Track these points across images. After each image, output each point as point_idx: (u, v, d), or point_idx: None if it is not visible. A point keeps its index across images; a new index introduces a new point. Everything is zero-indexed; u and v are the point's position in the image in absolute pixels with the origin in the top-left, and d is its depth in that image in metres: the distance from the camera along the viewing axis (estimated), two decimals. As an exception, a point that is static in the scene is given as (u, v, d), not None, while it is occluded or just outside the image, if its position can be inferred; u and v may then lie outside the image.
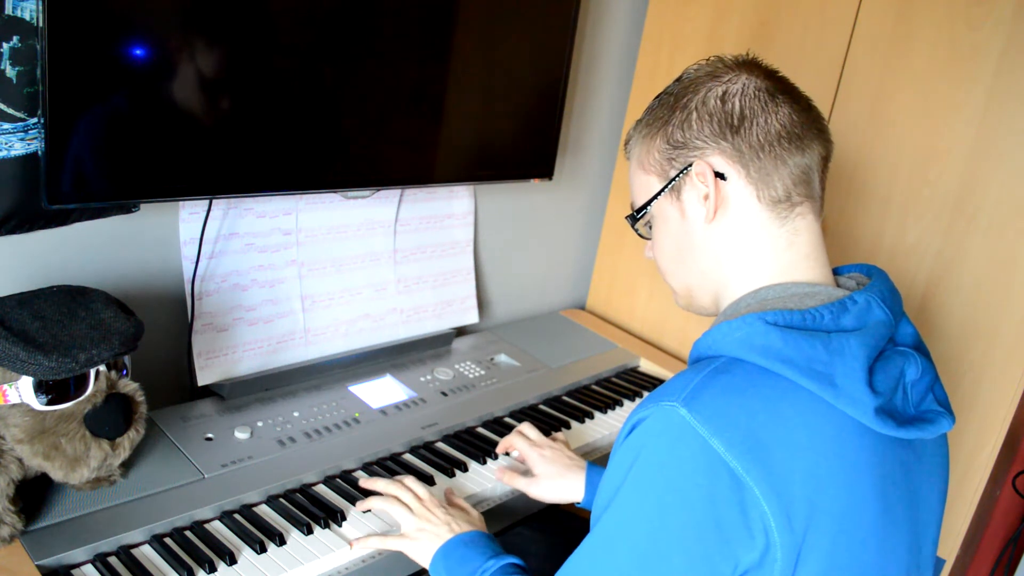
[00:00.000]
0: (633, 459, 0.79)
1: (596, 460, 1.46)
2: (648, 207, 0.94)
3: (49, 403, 1.01)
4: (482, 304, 1.90)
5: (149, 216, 1.32)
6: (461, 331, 1.82)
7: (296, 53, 1.27)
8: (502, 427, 1.49)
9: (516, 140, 1.71)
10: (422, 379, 1.57)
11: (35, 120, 1.11)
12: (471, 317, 1.81)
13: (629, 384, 1.73)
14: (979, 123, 1.43)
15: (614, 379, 1.76)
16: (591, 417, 1.57)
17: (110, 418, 1.05)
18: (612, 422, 1.57)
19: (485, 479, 1.32)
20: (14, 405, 1.01)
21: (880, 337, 0.83)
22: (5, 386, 1.00)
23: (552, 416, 1.55)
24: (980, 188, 1.45)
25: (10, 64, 1.07)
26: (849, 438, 0.79)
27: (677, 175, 0.90)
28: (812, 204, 0.90)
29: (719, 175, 0.88)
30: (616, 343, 1.89)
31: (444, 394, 1.53)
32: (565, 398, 1.64)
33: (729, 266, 0.90)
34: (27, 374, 0.99)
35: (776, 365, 0.78)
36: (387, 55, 1.39)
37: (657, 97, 0.95)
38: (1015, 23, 1.37)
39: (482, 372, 1.64)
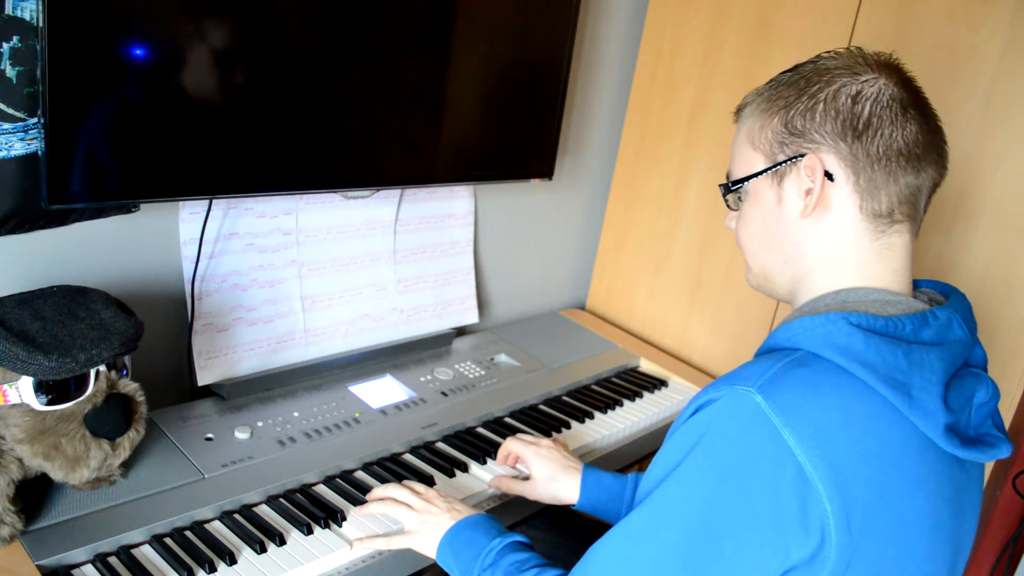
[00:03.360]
0: (698, 438, 0.78)
1: (595, 461, 1.46)
2: (745, 183, 0.92)
3: (49, 403, 1.01)
4: (482, 304, 1.90)
5: (149, 216, 1.32)
6: (461, 331, 1.82)
7: (296, 53, 1.27)
8: (502, 427, 1.49)
9: (516, 140, 1.71)
10: (422, 379, 1.57)
11: (35, 120, 1.11)
12: (471, 317, 1.81)
13: (629, 384, 1.73)
14: (979, 123, 1.43)
15: (614, 379, 1.76)
16: (591, 417, 1.57)
17: (110, 418, 1.05)
18: (612, 422, 1.57)
19: (485, 479, 1.32)
20: (14, 405, 1.01)
21: (958, 356, 0.83)
22: (5, 386, 1.00)
23: (552, 416, 1.55)
24: (980, 188, 1.44)
25: (10, 64, 1.07)
26: (915, 450, 0.79)
27: (785, 161, 0.88)
28: (912, 224, 0.89)
29: (828, 175, 0.86)
30: (616, 343, 1.89)
31: (444, 394, 1.53)
32: (565, 398, 1.64)
33: (814, 263, 0.89)
34: (27, 374, 0.99)
35: (855, 367, 0.78)
36: (387, 55, 1.39)
37: (786, 72, 0.91)
38: (1015, 23, 1.37)
39: (482, 372, 1.64)
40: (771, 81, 0.92)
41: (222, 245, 1.39)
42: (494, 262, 1.91)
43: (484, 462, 1.36)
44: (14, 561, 0.98)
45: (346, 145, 1.40)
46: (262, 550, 1.09)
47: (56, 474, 1.04)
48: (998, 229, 1.43)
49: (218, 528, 1.13)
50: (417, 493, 1.15)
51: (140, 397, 1.09)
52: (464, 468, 1.34)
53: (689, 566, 0.77)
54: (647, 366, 1.84)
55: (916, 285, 0.95)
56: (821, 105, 0.86)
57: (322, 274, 1.53)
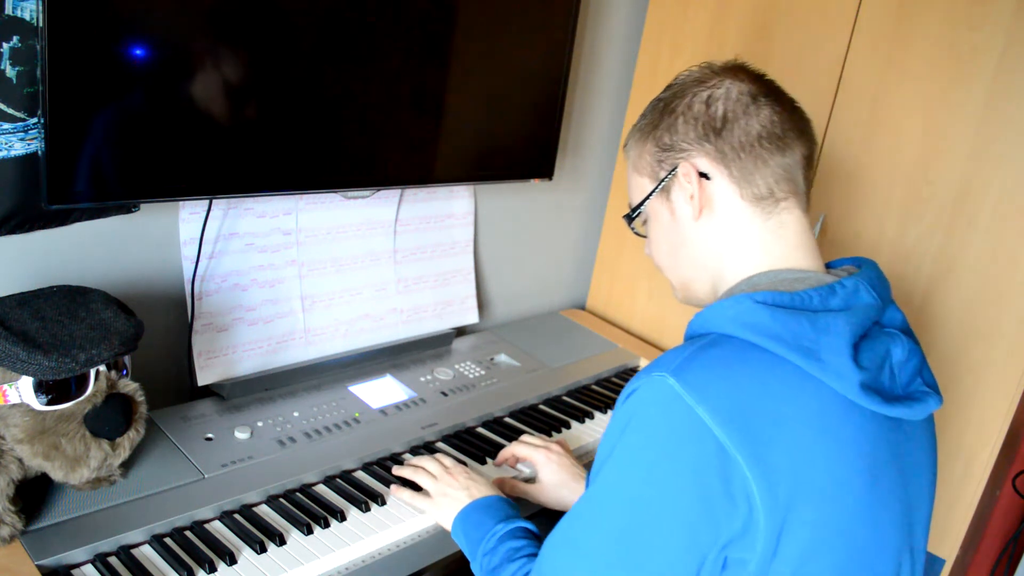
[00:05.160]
0: (624, 426, 0.83)
1: (596, 460, 1.46)
2: (642, 207, 0.99)
3: (49, 403, 1.01)
4: (482, 304, 1.90)
5: (149, 216, 1.32)
6: (461, 331, 1.82)
7: (296, 53, 1.27)
8: (502, 427, 1.49)
9: (516, 140, 1.71)
10: (422, 379, 1.57)
11: (35, 120, 1.11)
12: (471, 317, 1.81)
13: (629, 384, 1.73)
14: (979, 123, 1.43)
15: (614, 379, 1.76)
16: (591, 417, 1.57)
17: (110, 418, 1.05)
18: (612, 422, 1.56)
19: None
20: (14, 405, 1.01)
21: (867, 318, 0.87)
22: (5, 386, 1.00)
23: (552, 416, 1.55)
24: (980, 188, 1.44)
25: (10, 64, 1.07)
26: (835, 412, 0.81)
27: (666, 176, 0.95)
28: (797, 199, 0.93)
29: (704, 175, 0.92)
30: (616, 343, 1.89)
31: (444, 394, 1.53)
32: (565, 398, 1.64)
33: (721, 259, 0.94)
34: (27, 374, 0.99)
35: (764, 340, 0.81)
36: (387, 55, 1.39)
37: (651, 103, 1.00)
38: (1015, 23, 1.37)
39: (482, 372, 1.64)
40: (640, 115, 1.00)
41: (222, 245, 1.39)
42: (494, 262, 1.91)
43: (484, 462, 1.36)
44: (14, 561, 0.98)
45: (346, 145, 1.40)
46: (262, 550, 1.09)
47: (56, 474, 1.04)
48: (998, 229, 1.43)
49: (218, 528, 1.13)
50: (445, 467, 1.22)
51: (140, 397, 1.09)
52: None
53: (628, 549, 0.81)
54: (647, 366, 1.84)
55: (836, 264, 1.00)
56: (681, 117, 0.94)
57: (322, 274, 1.53)
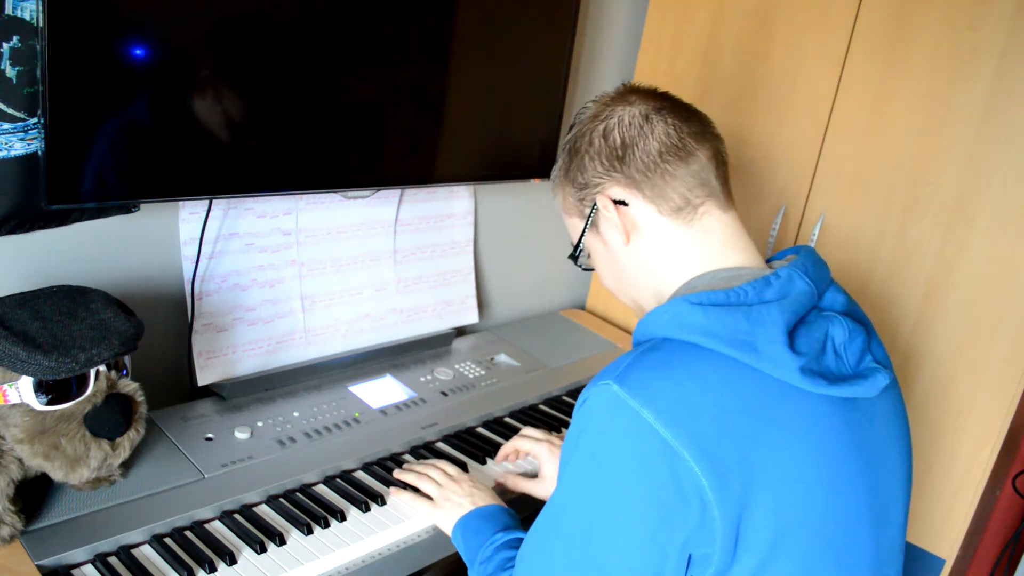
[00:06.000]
0: (578, 435, 0.85)
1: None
2: (580, 245, 1.02)
3: (49, 403, 1.01)
4: (482, 304, 1.90)
5: (149, 216, 1.32)
6: (461, 331, 1.82)
7: (297, 53, 1.27)
8: (502, 427, 1.49)
9: (516, 140, 1.71)
10: (422, 379, 1.57)
11: (35, 120, 1.11)
12: (471, 317, 1.81)
13: (629, 384, 1.73)
14: (979, 123, 1.43)
15: (614, 379, 1.75)
16: (591, 417, 1.57)
17: (110, 418, 1.05)
18: (612, 422, 1.56)
19: (485, 479, 1.32)
20: (14, 405, 1.01)
21: (801, 304, 0.88)
22: (5, 386, 1.00)
23: (552, 416, 1.55)
24: (980, 188, 1.44)
25: (10, 64, 1.07)
26: (778, 400, 0.83)
27: (590, 213, 0.99)
28: (715, 201, 0.95)
29: (621, 203, 0.96)
30: (616, 343, 1.89)
31: (444, 394, 1.53)
32: (565, 398, 1.64)
33: (657, 275, 0.97)
34: (27, 374, 0.99)
35: (701, 339, 0.84)
36: (387, 55, 1.39)
37: (559, 146, 1.04)
38: (1015, 23, 1.37)
39: (482, 372, 1.64)
40: (557, 153, 1.04)
41: (222, 245, 1.39)
42: (494, 262, 1.91)
43: (484, 462, 1.36)
44: (14, 561, 0.98)
45: (346, 145, 1.40)
46: (262, 550, 1.09)
47: (56, 474, 1.04)
48: (998, 229, 1.43)
49: (218, 528, 1.13)
50: (448, 475, 1.24)
51: (140, 397, 1.09)
52: (464, 468, 1.34)
53: (589, 553, 0.83)
54: (647, 366, 1.84)
55: (778, 256, 1.02)
56: (586, 155, 0.98)
57: (322, 274, 1.53)
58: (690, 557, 0.80)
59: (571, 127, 1.02)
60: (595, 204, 0.97)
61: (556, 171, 1.04)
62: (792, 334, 0.85)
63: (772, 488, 0.80)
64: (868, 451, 0.89)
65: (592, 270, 1.06)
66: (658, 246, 0.96)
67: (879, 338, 0.96)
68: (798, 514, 0.81)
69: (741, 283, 0.88)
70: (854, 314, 0.96)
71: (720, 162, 0.97)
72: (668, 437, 0.78)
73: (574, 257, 1.04)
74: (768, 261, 1.00)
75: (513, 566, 1.01)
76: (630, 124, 0.95)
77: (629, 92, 0.98)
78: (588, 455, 0.84)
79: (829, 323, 0.90)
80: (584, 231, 1.00)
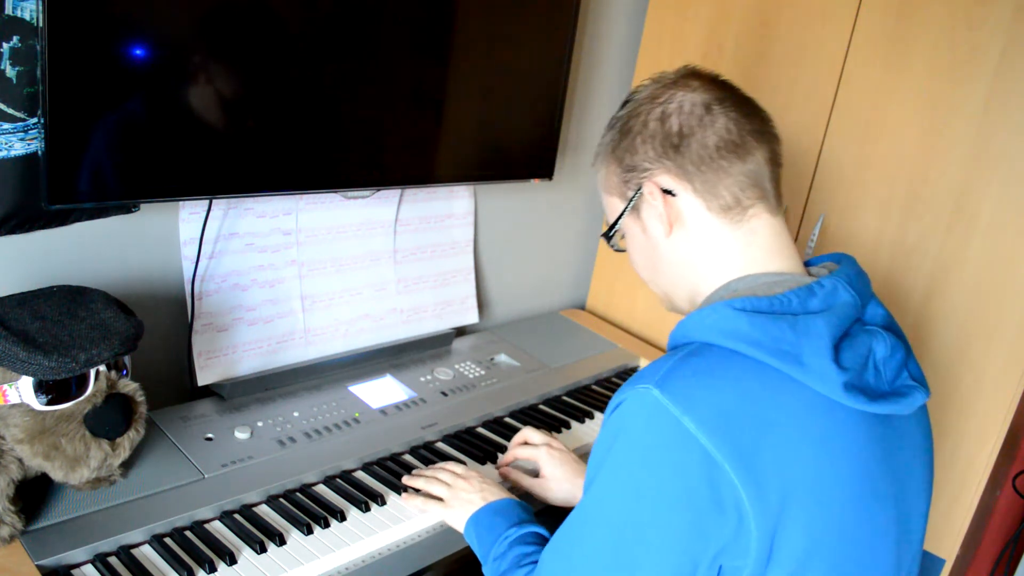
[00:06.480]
0: (612, 440, 0.83)
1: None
2: (616, 225, 0.99)
3: (49, 403, 1.01)
4: (482, 304, 1.90)
5: (149, 216, 1.32)
6: (461, 331, 1.82)
7: (297, 53, 1.27)
8: (502, 427, 1.49)
9: (516, 140, 1.71)
10: (422, 379, 1.57)
11: (35, 120, 1.11)
12: (471, 317, 1.81)
13: (629, 384, 1.73)
14: (979, 123, 1.43)
15: (614, 379, 1.76)
16: (591, 417, 1.57)
17: (110, 418, 1.05)
18: (612, 422, 1.56)
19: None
20: (14, 405, 1.01)
21: (846, 317, 0.86)
22: (5, 386, 1.00)
23: (552, 416, 1.55)
24: (980, 188, 1.44)
25: (10, 64, 1.07)
26: (820, 414, 0.81)
27: (633, 196, 0.95)
28: (766, 204, 0.93)
29: (669, 192, 0.92)
30: (616, 343, 1.89)
31: (444, 394, 1.53)
32: (565, 398, 1.64)
33: (696, 271, 0.94)
34: (27, 374, 0.99)
35: (744, 347, 0.81)
36: (387, 55, 1.39)
37: (611, 120, 0.99)
38: (1015, 23, 1.37)
39: (482, 372, 1.64)
40: (606, 127, 1.00)
41: (222, 245, 1.39)
42: (494, 262, 1.91)
43: (484, 462, 1.36)
44: (14, 561, 0.98)
45: (346, 145, 1.40)
46: (262, 550, 1.09)
47: (56, 474, 1.04)
48: (998, 229, 1.43)
49: (218, 528, 1.13)
50: (457, 474, 1.23)
51: (140, 397, 1.09)
52: (464, 468, 1.34)
53: (620, 561, 0.81)
54: (647, 366, 1.84)
55: (815, 262, 0.99)
56: (638, 137, 0.93)
57: (322, 274, 1.53)
58: (720, 568, 0.79)
59: (625, 103, 0.97)
60: (640, 188, 0.94)
61: (602, 146, 0.99)
62: (837, 347, 0.83)
63: (806, 504, 0.78)
64: (897, 467, 0.88)
65: (623, 251, 1.03)
66: (701, 242, 0.93)
67: (915, 355, 0.94)
68: (829, 529, 0.80)
69: (783, 290, 0.86)
70: (893, 328, 0.93)
71: (776, 164, 0.94)
72: (709, 447, 0.76)
73: (607, 236, 1.01)
74: (805, 264, 0.97)
75: (529, 562, 1.01)
76: (690, 112, 0.91)
77: (691, 76, 0.94)
78: (622, 461, 0.81)
79: (872, 338, 0.87)
80: (623, 213, 0.97)
